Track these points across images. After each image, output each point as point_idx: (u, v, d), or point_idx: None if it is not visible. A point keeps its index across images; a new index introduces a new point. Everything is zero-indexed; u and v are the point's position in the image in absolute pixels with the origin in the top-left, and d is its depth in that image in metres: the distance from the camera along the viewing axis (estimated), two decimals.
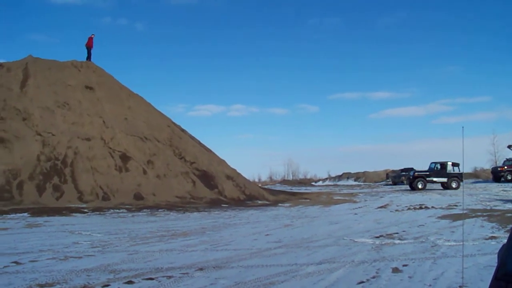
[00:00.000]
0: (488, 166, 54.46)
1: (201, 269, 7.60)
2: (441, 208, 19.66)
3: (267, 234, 12.17)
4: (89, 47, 30.55)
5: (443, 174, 36.52)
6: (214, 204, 22.69)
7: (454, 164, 36.92)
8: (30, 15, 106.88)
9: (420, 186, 35.65)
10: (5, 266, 7.73)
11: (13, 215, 16.61)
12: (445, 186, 36.35)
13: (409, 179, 38.16)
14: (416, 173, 37.27)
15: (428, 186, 36.77)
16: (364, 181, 65.09)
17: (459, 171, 37.31)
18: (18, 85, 25.93)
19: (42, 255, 8.77)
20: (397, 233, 12.08)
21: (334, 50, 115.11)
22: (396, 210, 19.24)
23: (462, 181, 38.31)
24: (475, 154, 63.02)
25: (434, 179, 36.58)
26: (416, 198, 26.71)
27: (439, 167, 36.96)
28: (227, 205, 22.64)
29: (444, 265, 7.84)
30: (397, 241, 10.58)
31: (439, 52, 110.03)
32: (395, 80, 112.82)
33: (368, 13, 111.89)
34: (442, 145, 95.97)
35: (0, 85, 25.47)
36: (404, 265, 7.85)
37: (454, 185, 36.08)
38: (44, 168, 22.10)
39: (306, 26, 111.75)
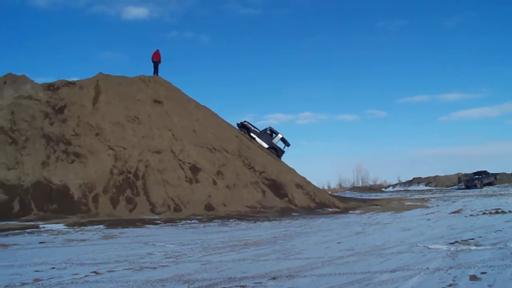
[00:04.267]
0: None
1: (274, 278, 7.58)
2: None
3: (339, 242, 12.03)
4: (156, 61, 31.26)
5: None
6: (285, 213, 22.66)
7: None
8: (101, 34, 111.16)
9: None
10: (85, 276, 7.97)
11: (90, 226, 17.12)
12: None
13: None
14: None
15: None
16: (435, 186, 63.51)
17: None
18: (90, 101, 26.78)
19: (119, 265, 8.98)
20: (473, 239, 11.68)
21: (402, 53, 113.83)
22: (471, 215, 18.66)
23: None
24: None
25: None
26: (491, 202, 25.86)
27: None
28: (297, 214, 22.57)
29: None
30: (473, 248, 10.22)
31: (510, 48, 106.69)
32: (466, 81, 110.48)
33: (435, 14, 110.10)
34: None
35: (74, 102, 26.34)
36: (482, 273, 7.55)
37: None
38: (117, 181, 22.73)
39: (374, 30, 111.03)
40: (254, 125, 34.80)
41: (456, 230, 13.74)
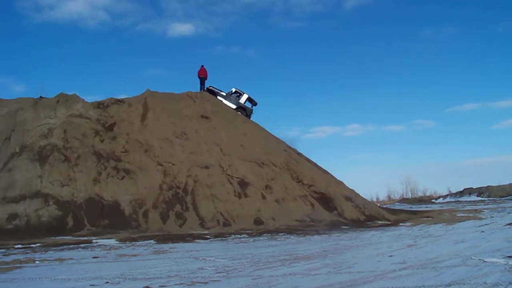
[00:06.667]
0: None
1: None
2: None
3: (391, 255, 11.79)
4: (203, 77, 31.63)
5: None
6: (334, 226, 22.42)
7: None
8: (148, 51, 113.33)
9: None
10: None
11: (141, 242, 17.30)
12: None
13: None
14: None
15: None
16: (488, 196, 61.79)
17: None
18: (138, 118, 27.24)
19: (171, 280, 9.00)
20: None
21: (450, 61, 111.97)
22: None
23: None
24: None
25: None
26: None
27: None
28: (347, 227, 22.31)
29: None
30: None
31: None
32: None
33: (484, 20, 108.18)
34: None
35: (123, 119, 26.83)
36: None
37: None
38: (166, 197, 22.95)
39: (421, 38, 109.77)
40: (219, 88, 34.04)
41: None
